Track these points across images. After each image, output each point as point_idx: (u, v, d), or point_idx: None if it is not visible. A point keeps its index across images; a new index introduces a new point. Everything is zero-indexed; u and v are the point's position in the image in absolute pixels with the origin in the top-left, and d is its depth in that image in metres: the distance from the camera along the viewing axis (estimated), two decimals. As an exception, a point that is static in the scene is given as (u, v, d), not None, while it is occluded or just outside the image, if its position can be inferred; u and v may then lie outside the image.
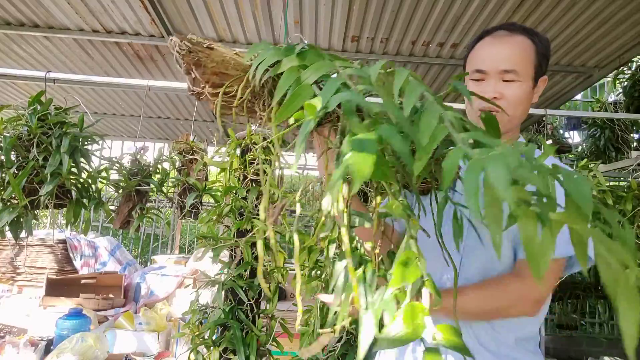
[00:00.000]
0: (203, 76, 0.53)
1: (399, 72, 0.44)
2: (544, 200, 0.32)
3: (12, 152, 1.40)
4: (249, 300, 1.53)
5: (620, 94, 3.88)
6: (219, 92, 0.54)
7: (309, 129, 0.41)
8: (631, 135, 4.01)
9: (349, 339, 1.43)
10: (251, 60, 0.54)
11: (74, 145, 1.47)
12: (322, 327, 1.43)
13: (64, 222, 5.33)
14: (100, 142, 1.61)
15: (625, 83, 3.62)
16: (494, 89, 0.88)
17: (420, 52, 2.97)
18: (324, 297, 0.82)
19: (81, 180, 1.55)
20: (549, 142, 3.81)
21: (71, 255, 4.10)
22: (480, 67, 0.90)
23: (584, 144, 4.35)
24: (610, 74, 3.36)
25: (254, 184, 1.61)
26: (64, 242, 4.12)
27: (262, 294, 1.59)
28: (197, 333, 1.52)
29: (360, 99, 0.40)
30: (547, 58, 0.93)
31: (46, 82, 2.00)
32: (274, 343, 1.60)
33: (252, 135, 1.61)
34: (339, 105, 0.43)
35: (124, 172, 1.77)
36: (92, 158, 1.57)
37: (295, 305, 0.48)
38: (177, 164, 1.97)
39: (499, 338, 0.92)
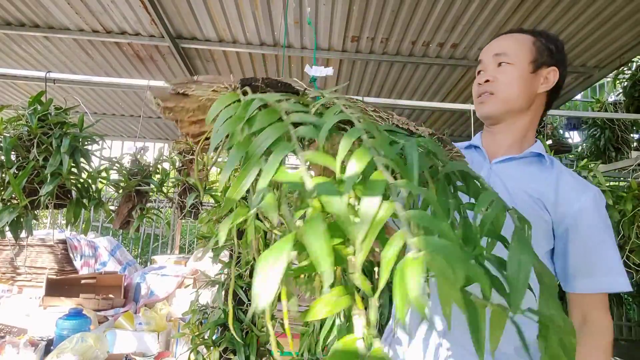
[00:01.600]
0: (182, 129, 0.51)
1: (348, 134, 0.36)
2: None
3: (13, 152, 1.39)
4: (249, 300, 1.53)
5: (620, 94, 3.87)
6: (199, 140, 0.52)
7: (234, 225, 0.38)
8: (631, 135, 4.01)
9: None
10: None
11: (74, 145, 1.47)
12: (322, 327, 1.43)
13: (64, 222, 5.33)
14: (100, 142, 1.61)
15: (625, 83, 3.62)
16: (488, 74, 0.98)
17: (420, 52, 2.97)
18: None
19: (81, 180, 1.55)
20: (549, 142, 3.81)
21: (71, 255, 4.10)
22: (479, 59, 1.02)
23: (584, 144, 4.35)
24: (610, 74, 3.36)
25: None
26: (64, 242, 4.12)
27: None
28: (197, 333, 1.52)
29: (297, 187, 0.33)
30: (549, 49, 0.96)
31: (46, 82, 1.99)
32: (274, 343, 1.60)
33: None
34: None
35: (124, 172, 1.76)
36: (92, 158, 1.57)
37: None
38: (177, 164, 1.97)
39: (495, 352, 0.87)
